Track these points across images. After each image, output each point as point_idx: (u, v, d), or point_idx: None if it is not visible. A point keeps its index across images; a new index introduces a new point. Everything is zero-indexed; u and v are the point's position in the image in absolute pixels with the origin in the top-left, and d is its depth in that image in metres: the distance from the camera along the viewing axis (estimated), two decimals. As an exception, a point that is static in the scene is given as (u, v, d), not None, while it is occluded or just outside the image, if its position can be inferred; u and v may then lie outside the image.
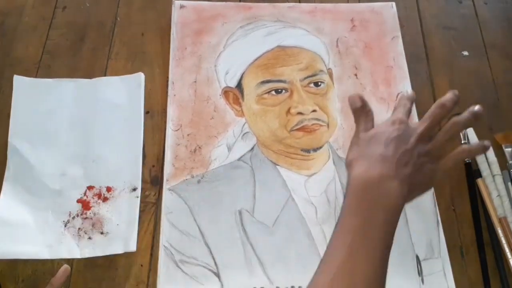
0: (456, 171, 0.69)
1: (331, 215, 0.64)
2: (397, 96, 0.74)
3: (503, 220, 0.64)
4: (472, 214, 0.66)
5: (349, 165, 0.49)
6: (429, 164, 0.48)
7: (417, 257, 0.62)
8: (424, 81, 0.75)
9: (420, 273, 0.62)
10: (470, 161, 0.69)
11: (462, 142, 0.70)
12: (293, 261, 0.62)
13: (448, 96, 0.50)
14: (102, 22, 0.78)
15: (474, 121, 0.49)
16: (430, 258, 0.63)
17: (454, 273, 0.62)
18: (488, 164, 0.68)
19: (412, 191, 0.47)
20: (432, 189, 0.66)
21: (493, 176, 0.67)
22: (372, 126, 0.52)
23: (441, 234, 0.64)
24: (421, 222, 0.64)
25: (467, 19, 0.83)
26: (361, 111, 0.52)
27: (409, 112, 0.52)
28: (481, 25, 0.82)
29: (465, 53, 0.79)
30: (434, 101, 0.72)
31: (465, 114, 0.49)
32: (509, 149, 0.69)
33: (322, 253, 0.60)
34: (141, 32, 0.78)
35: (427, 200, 0.66)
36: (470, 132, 0.71)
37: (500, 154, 0.69)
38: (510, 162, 0.69)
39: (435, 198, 0.66)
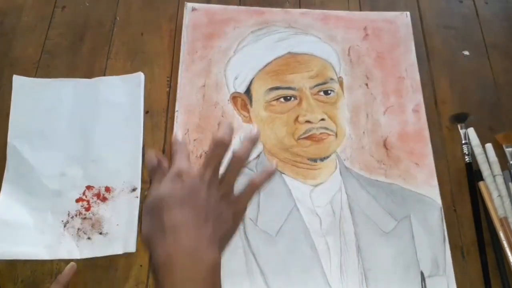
0: (457, 172, 0.69)
1: (336, 227, 0.64)
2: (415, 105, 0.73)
3: (504, 221, 0.64)
4: (473, 214, 0.66)
5: (146, 242, 0.42)
6: (228, 209, 0.44)
7: (422, 274, 0.61)
8: (425, 81, 0.75)
9: None
10: (471, 161, 0.69)
11: (463, 142, 0.70)
12: (295, 272, 0.61)
13: (223, 131, 0.44)
14: (102, 22, 0.78)
15: (252, 146, 0.45)
16: (435, 275, 0.61)
17: (455, 274, 0.62)
18: (489, 164, 0.68)
19: (221, 248, 0.43)
20: (440, 204, 0.65)
21: (494, 176, 0.67)
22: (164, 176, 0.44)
23: (447, 251, 0.63)
24: (427, 238, 0.63)
25: (468, 19, 0.82)
26: (158, 169, 0.45)
27: (188, 155, 0.45)
28: (481, 24, 0.82)
29: (466, 52, 0.79)
30: (435, 100, 0.74)
31: (244, 145, 0.44)
32: (510, 149, 0.69)
33: (325, 265, 0.61)
34: (140, 31, 0.77)
35: (434, 216, 0.65)
36: (471, 132, 0.70)
37: (501, 154, 0.69)
38: (511, 162, 0.68)
39: (442, 214, 0.65)
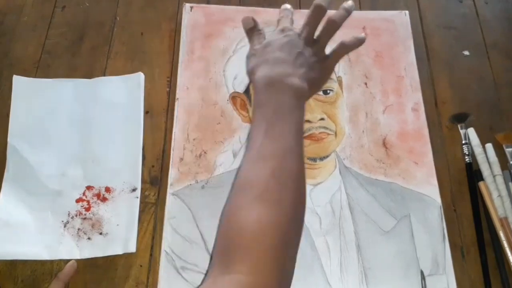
0: (457, 172, 0.69)
1: (336, 226, 0.64)
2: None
3: (504, 221, 0.64)
4: (473, 214, 0.66)
5: (251, 73, 0.54)
6: (318, 64, 0.54)
7: (422, 273, 0.62)
8: (425, 81, 0.75)
9: None
10: (471, 161, 0.69)
11: (463, 142, 0.70)
12: (295, 271, 0.60)
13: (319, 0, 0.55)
14: (102, 22, 0.78)
15: (347, 15, 0.56)
16: (435, 274, 0.61)
17: (454, 274, 0.62)
18: (489, 164, 0.68)
19: (310, 88, 0.52)
20: (440, 202, 0.66)
21: (494, 176, 0.67)
22: (264, 38, 0.57)
23: (447, 249, 0.63)
24: (427, 236, 0.63)
25: (468, 19, 0.82)
26: (254, 30, 0.58)
27: (292, 21, 0.58)
28: (482, 24, 0.82)
29: (466, 52, 0.79)
30: (435, 100, 0.74)
31: (339, 11, 0.56)
32: (510, 149, 0.69)
33: (325, 264, 0.61)
34: (140, 31, 0.77)
35: (433, 215, 0.65)
36: (471, 132, 0.70)
37: (501, 154, 0.69)
38: (511, 162, 0.68)
39: (442, 212, 0.65)
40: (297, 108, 0.50)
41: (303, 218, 0.47)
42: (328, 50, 0.57)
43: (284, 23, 0.57)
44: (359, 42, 0.56)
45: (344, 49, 0.56)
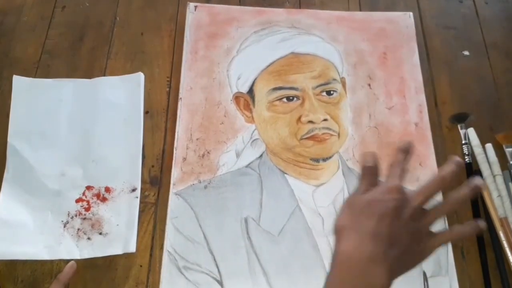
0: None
1: None
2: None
3: (504, 221, 0.64)
4: (473, 214, 0.66)
5: (338, 232, 0.45)
6: (417, 244, 0.45)
7: (424, 274, 0.61)
8: (425, 81, 0.75)
9: None
10: (471, 161, 0.69)
11: (463, 142, 0.70)
12: (297, 272, 0.61)
13: (450, 167, 0.45)
14: (102, 22, 0.78)
15: (473, 196, 0.47)
16: (437, 275, 0.61)
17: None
18: (489, 164, 0.68)
19: (397, 274, 0.44)
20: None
21: (494, 176, 0.67)
22: (376, 185, 0.47)
23: (449, 251, 0.63)
24: None
25: (468, 19, 0.82)
26: (369, 173, 0.48)
27: (405, 174, 0.47)
28: (481, 24, 0.82)
29: (466, 52, 0.79)
30: (435, 100, 0.74)
31: (464, 189, 0.45)
32: (510, 149, 0.69)
33: (327, 265, 0.61)
34: (140, 31, 0.77)
35: None
36: (471, 132, 0.70)
37: (501, 154, 0.69)
38: (511, 162, 0.68)
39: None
40: None
41: None
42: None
43: (394, 179, 0.46)
44: (476, 230, 0.46)
45: (456, 235, 0.47)
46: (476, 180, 0.45)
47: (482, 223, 0.45)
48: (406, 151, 0.48)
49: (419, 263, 0.46)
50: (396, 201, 0.44)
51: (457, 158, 0.45)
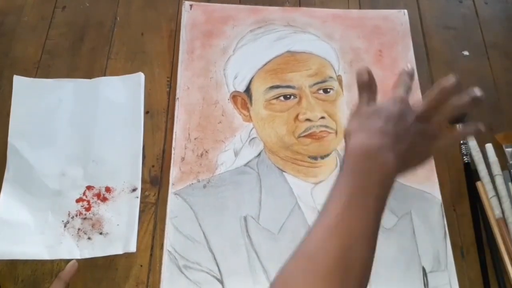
0: (456, 171, 0.69)
1: None
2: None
3: (500, 221, 0.64)
4: (472, 214, 0.66)
5: (347, 135, 0.50)
6: (423, 144, 0.50)
7: (424, 269, 0.62)
8: (425, 81, 0.75)
9: (426, 285, 0.61)
10: (469, 161, 0.69)
11: (461, 142, 0.70)
12: None
13: (449, 81, 0.50)
14: (102, 22, 0.78)
15: (474, 106, 0.50)
16: (436, 270, 0.62)
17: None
18: (489, 164, 0.68)
19: (404, 166, 0.49)
20: (440, 200, 0.66)
21: (494, 176, 0.67)
22: (375, 100, 0.53)
23: (448, 246, 0.63)
24: (429, 234, 0.64)
25: (468, 19, 0.82)
26: (366, 85, 0.53)
27: (409, 89, 0.53)
28: (481, 25, 0.82)
29: (466, 53, 0.79)
30: (435, 101, 0.74)
31: (465, 98, 0.50)
32: (510, 149, 0.69)
33: None
34: (140, 32, 0.77)
35: (434, 212, 0.65)
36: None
37: (500, 154, 0.69)
38: (511, 162, 0.68)
39: (443, 210, 0.65)
40: (384, 186, 0.46)
41: None
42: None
43: (399, 92, 0.51)
44: (479, 130, 0.52)
45: (455, 136, 0.53)
46: (477, 92, 0.50)
47: (481, 125, 0.51)
48: (411, 74, 0.53)
49: (424, 161, 0.51)
50: (401, 108, 0.49)
51: (456, 76, 0.51)
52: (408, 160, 0.49)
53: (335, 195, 0.46)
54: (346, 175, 0.46)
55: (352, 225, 0.43)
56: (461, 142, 0.70)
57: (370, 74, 0.53)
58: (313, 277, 0.41)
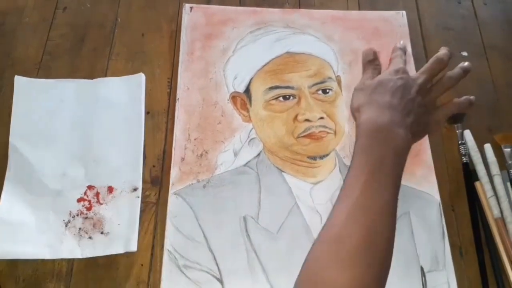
0: (455, 171, 0.69)
1: None
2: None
3: (499, 221, 0.64)
4: (471, 215, 0.66)
5: (356, 110, 0.52)
6: (425, 115, 0.52)
7: (422, 269, 0.62)
8: (424, 82, 0.75)
9: (424, 285, 0.61)
10: (467, 161, 0.69)
11: (459, 142, 0.70)
12: (297, 269, 0.60)
13: (443, 51, 0.54)
14: (103, 23, 0.78)
15: (464, 75, 0.56)
16: (435, 270, 0.62)
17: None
18: (487, 164, 0.68)
19: (413, 138, 0.51)
20: (439, 200, 0.66)
21: (492, 176, 0.67)
22: (379, 72, 0.56)
23: (446, 246, 0.63)
24: (427, 233, 0.64)
25: (466, 20, 0.83)
26: (371, 63, 0.56)
27: (404, 62, 0.56)
28: (480, 25, 0.82)
29: (464, 53, 0.79)
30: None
31: (457, 69, 0.55)
32: (508, 149, 0.70)
33: None
34: (141, 32, 0.78)
35: (433, 212, 0.65)
36: (467, 133, 0.71)
37: (499, 155, 0.69)
38: (509, 162, 0.69)
39: (441, 210, 0.66)
40: (398, 163, 0.48)
41: (386, 279, 0.45)
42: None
43: (398, 63, 0.55)
44: (469, 103, 0.57)
45: (454, 107, 0.56)
46: (466, 63, 0.57)
47: (472, 97, 0.57)
48: (403, 49, 0.58)
49: (428, 132, 0.55)
50: (403, 79, 0.51)
51: (447, 48, 0.57)
52: (415, 132, 0.50)
53: (352, 176, 0.47)
54: (361, 154, 0.47)
55: (372, 204, 0.44)
56: (460, 142, 0.71)
57: (375, 55, 0.57)
58: (340, 259, 0.42)
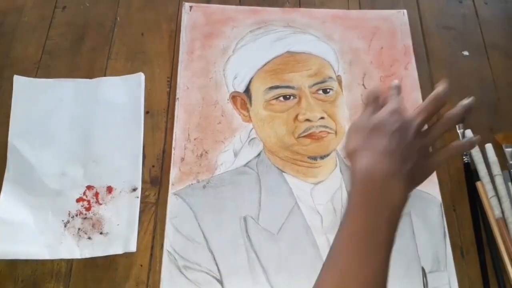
0: (456, 171, 0.69)
1: (337, 224, 0.63)
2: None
3: (500, 221, 0.64)
4: (471, 214, 0.66)
5: (351, 154, 0.49)
6: (424, 159, 0.49)
7: (423, 270, 0.62)
8: (425, 81, 0.75)
9: (425, 285, 0.61)
10: (469, 161, 0.69)
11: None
12: (297, 270, 0.61)
13: (441, 88, 0.51)
14: (102, 22, 0.78)
15: (466, 114, 0.51)
16: (436, 271, 0.62)
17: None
18: (489, 164, 0.68)
19: (411, 187, 0.48)
20: (440, 200, 0.66)
21: (494, 176, 0.67)
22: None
23: (448, 246, 0.63)
24: (428, 234, 0.64)
25: (468, 19, 0.82)
26: (373, 104, 0.52)
27: (401, 99, 0.52)
28: (481, 25, 0.82)
29: (466, 53, 0.79)
30: (435, 101, 0.74)
31: (458, 108, 0.51)
32: (509, 149, 0.69)
33: None
34: (141, 32, 0.78)
35: (434, 212, 0.65)
36: (468, 133, 0.70)
37: (500, 154, 0.69)
38: (511, 162, 0.69)
39: (443, 210, 0.65)
40: (392, 227, 0.45)
41: None
42: None
43: (394, 103, 0.51)
44: (471, 145, 0.53)
45: (455, 150, 0.52)
46: (467, 100, 0.51)
47: (476, 138, 0.52)
48: (398, 88, 0.54)
49: (426, 177, 0.51)
50: (401, 121, 0.48)
51: (445, 83, 0.51)
52: (414, 179, 0.48)
53: (342, 239, 0.44)
54: (354, 216, 0.45)
55: (361, 275, 0.42)
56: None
57: (378, 97, 0.53)
58: None
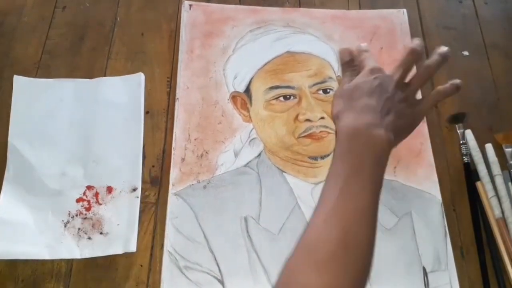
0: (456, 171, 0.69)
1: None
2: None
3: (500, 221, 0.64)
4: (471, 214, 0.66)
5: (336, 117, 0.50)
6: (408, 110, 0.50)
7: (424, 269, 0.62)
8: (424, 81, 0.75)
9: (426, 285, 0.61)
10: (469, 161, 0.69)
11: (461, 142, 0.70)
12: None
13: (416, 42, 0.52)
14: (102, 22, 0.78)
15: (443, 62, 0.52)
16: (437, 270, 0.62)
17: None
18: (489, 164, 0.68)
19: (396, 137, 0.49)
20: (440, 199, 0.66)
21: (494, 176, 0.67)
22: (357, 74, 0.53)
23: (448, 246, 0.63)
24: (429, 233, 0.64)
25: (468, 19, 0.83)
26: (349, 65, 0.54)
27: (375, 59, 0.54)
28: (481, 25, 0.82)
29: (466, 53, 0.79)
30: (435, 101, 0.74)
31: (434, 57, 0.52)
32: (509, 149, 0.69)
33: None
34: (141, 32, 0.77)
35: (434, 211, 0.65)
36: (468, 133, 0.71)
37: (500, 155, 0.69)
38: (510, 162, 0.69)
39: (443, 210, 0.65)
40: (378, 164, 0.46)
41: (365, 285, 0.44)
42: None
43: (371, 63, 0.52)
44: (455, 88, 0.53)
45: (439, 95, 0.53)
46: (444, 48, 0.53)
47: (457, 82, 0.53)
48: (366, 49, 0.55)
49: (416, 125, 0.52)
50: (379, 78, 0.50)
51: (418, 38, 0.53)
52: (397, 131, 0.49)
53: (329, 182, 0.46)
54: (339, 160, 0.46)
55: (349, 209, 0.43)
56: (461, 142, 0.70)
57: (351, 54, 0.54)
58: (316, 264, 0.41)
